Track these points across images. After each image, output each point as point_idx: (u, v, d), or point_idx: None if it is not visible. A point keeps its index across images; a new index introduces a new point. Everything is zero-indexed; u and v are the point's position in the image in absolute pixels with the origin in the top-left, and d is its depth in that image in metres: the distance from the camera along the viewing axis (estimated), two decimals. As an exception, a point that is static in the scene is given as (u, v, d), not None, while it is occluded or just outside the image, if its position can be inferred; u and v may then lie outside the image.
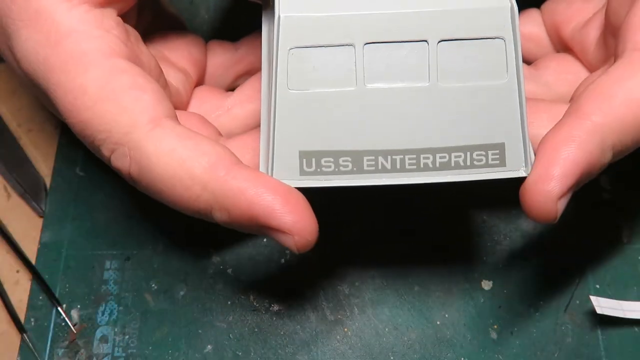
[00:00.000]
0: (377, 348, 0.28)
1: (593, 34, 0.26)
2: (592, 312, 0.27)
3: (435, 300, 0.28)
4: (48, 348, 0.28)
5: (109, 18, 0.22)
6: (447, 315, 0.28)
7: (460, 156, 0.21)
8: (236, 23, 0.35)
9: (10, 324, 0.28)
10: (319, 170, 0.21)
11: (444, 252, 0.29)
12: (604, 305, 0.27)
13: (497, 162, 0.21)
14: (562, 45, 0.28)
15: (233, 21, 0.35)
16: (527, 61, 0.29)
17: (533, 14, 0.29)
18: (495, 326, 0.28)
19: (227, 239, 0.30)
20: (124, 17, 0.23)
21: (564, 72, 0.27)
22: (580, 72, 0.27)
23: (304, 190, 0.21)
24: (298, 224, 0.20)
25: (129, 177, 0.22)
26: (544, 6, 0.29)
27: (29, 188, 0.31)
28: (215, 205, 0.21)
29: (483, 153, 0.21)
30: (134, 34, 0.24)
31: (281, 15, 0.20)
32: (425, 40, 0.20)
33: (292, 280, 0.29)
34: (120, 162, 0.21)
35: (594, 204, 0.30)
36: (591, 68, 0.26)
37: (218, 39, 0.30)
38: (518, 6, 0.21)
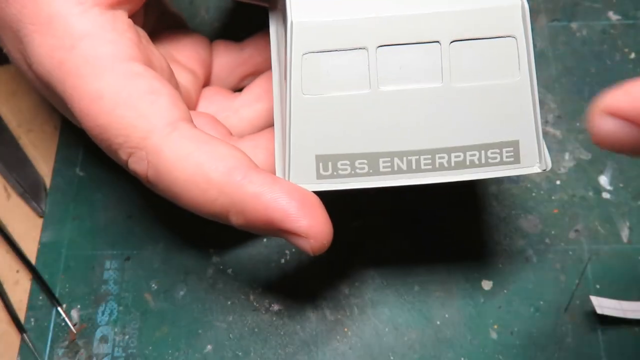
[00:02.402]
0: (377, 348, 0.28)
1: None
2: (592, 312, 0.27)
3: (435, 300, 0.28)
4: (48, 348, 0.28)
5: (121, 20, 0.22)
6: (447, 315, 0.28)
7: (475, 155, 0.21)
8: (236, 23, 0.35)
9: (10, 324, 0.28)
10: (335, 173, 0.21)
11: (444, 252, 0.29)
12: (604, 305, 0.27)
13: (512, 159, 0.22)
14: None
15: (233, 21, 0.35)
16: None
17: None
18: (495, 326, 0.28)
19: (227, 239, 0.30)
20: (133, 17, 0.23)
21: None
22: None
23: (320, 193, 0.21)
24: (314, 228, 0.21)
25: (147, 181, 0.22)
26: None
27: (29, 188, 0.31)
28: (231, 209, 0.21)
29: (497, 151, 0.22)
30: (144, 35, 0.24)
31: (293, 21, 0.20)
32: (437, 41, 0.21)
33: (292, 280, 0.29)
34: (137, 166, 0.21)
35: (594, 204, 0.30)
36: None
37: (220, 39, 0.30)
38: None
